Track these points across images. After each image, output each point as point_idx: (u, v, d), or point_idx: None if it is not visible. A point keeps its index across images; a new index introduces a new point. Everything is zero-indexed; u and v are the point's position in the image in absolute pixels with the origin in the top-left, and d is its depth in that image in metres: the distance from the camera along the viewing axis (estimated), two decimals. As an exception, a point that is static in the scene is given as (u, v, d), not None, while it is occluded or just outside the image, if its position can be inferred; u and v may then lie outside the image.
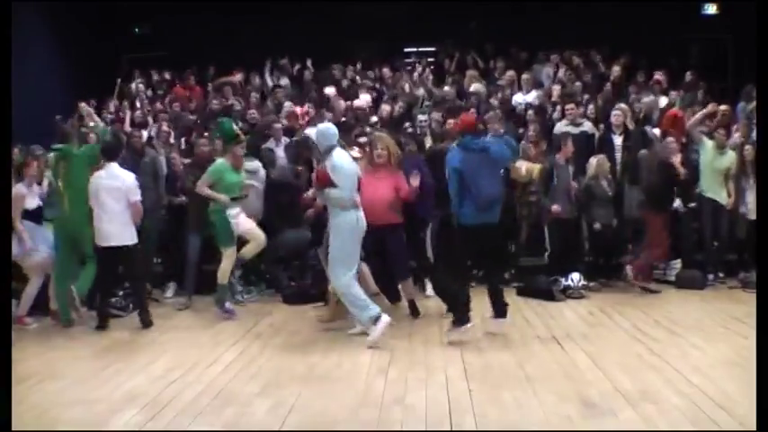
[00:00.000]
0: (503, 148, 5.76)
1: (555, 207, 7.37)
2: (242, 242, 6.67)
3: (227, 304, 6.56)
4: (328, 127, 5.83)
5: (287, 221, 7.23)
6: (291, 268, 7.58)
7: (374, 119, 9.11)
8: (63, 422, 4.00)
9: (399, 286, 6.52)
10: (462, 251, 5.69)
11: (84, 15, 12.00)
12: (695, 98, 9.43)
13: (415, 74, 11.23)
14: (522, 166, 7.57)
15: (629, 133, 8.20)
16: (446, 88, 10.15)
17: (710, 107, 8.12)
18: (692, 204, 7.81)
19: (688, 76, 10.23)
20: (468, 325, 5.47)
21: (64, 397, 4.43)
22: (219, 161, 6.60)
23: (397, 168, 6.27)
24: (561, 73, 10.66)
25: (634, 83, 10.19)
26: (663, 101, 9.41)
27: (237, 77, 11.15)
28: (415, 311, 6.36)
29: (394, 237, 6.18)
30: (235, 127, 6.96)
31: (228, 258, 6.54)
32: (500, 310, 5.77)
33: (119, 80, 11.29)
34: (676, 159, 7.59)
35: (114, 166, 6.20)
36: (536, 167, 7.61)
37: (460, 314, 5.48)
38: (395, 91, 10.42)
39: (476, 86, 10.19)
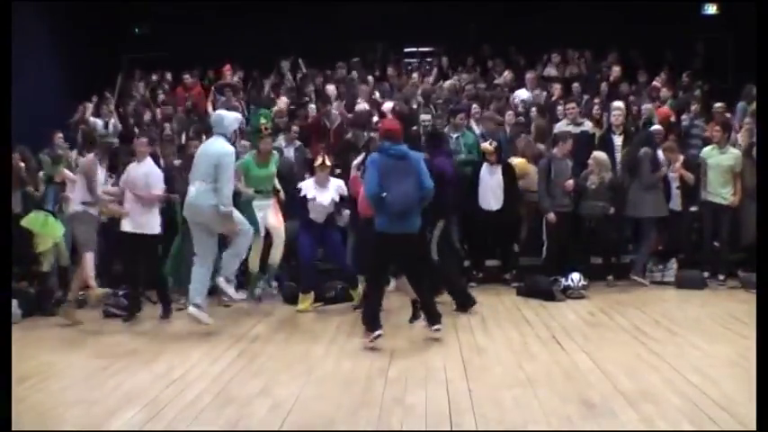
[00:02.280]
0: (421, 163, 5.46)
1: (551, 216, 7.42)
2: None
3: (258, 290, 6.78)
4: (223, 115, 6.13)
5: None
6: (291, 268, 7.59)
7: (375, 119, 9.11)
8: (63, 422, 4.00)
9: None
10: (376, 257, 5.54)
11: (83, 15, 11.99)
12: (689, 100, 9.43)
13: (416, 74, 11.22)
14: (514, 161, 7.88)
15: (630, 133, 8.21)
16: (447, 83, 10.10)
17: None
18: (694, 208, 7.81)
19: (684, 78, 10.25)
20: (377, 332, 5.33)
21: (64, 397, 4.43)
22: (246, 156, 6.83)
23: None
24: (558, 71, 10.73)
25: (634, 83, 10.22)
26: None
27: (236, 78, 11.13)
28: (416, 313, 6.18)
29: None
30: (263, 120, 6.95)
31: (254, 248, 6.67)
32: (432, 318, 5.56)
33: (119, 78, 11.25)
34: (679, 163, 7.60)
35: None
36: (519, 162, 7.86)
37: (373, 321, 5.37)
38: (398, 93, 10.42)
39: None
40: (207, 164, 5.81)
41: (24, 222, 6.86)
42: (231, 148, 5.95)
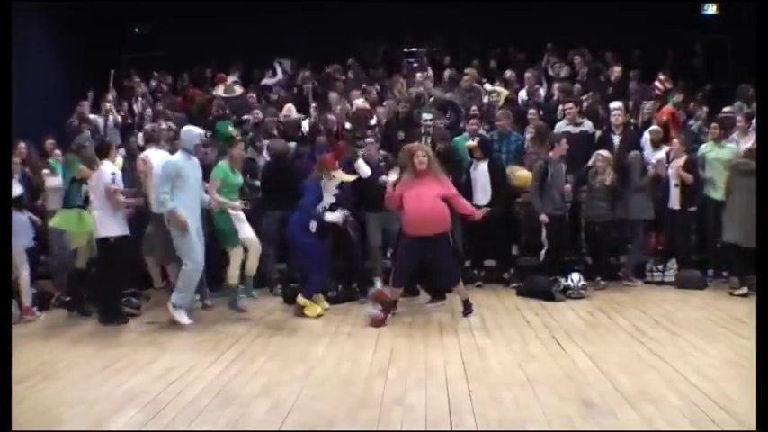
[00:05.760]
0: None
1: (543, 217, 7.34)
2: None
3: (240, 303, 6.64)
4: (187, 129, 6.38)
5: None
6: (291, 268, 7.59)
7: (373, 121, 9.10)
8: (63, 422, 4.00)
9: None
10: None
11: (83, 15, 12.01)
12: (695, 108, 9.41)
13: (418, 74, 11.21)
14: (513, 173, 7.83)
15: (628, 133, 8.22)
16: (448, 95, 10.07)
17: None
18: (693, 208, 7.81)
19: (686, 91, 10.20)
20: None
21: (64, 397, 4.43)
22: (220, 163, 6.68)
23: (440, 173, 6.30)
24: (554, 71, 10.72)
25: (636, 83, 10.22)
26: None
27: (231, 80, 11.11)
28: (468, 309, 6.35)
29: (441, 244, 6.20)
30: (231, 129, 7.01)
31: (235, 259, 6.59)
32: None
33: (112, 72, 11.11)
34: (680, 162, 7.60)
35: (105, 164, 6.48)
36: (517, 172, 7.83)
37: None
38: (396, 92, 10.40)
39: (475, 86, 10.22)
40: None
41: (57, 223, 6.73)
42: (171, 158, 6.34)
